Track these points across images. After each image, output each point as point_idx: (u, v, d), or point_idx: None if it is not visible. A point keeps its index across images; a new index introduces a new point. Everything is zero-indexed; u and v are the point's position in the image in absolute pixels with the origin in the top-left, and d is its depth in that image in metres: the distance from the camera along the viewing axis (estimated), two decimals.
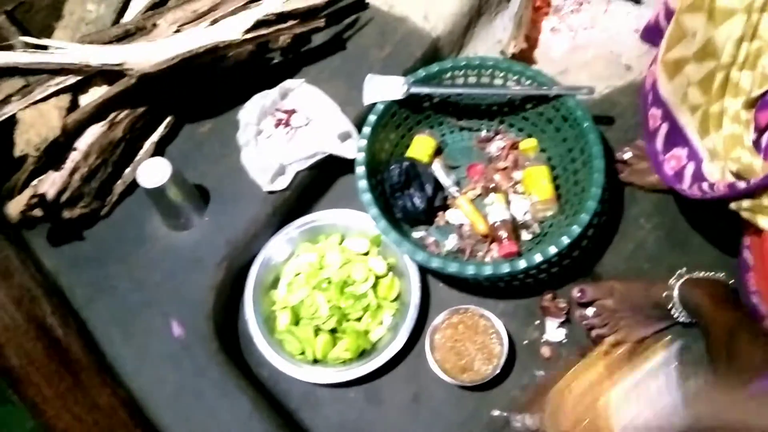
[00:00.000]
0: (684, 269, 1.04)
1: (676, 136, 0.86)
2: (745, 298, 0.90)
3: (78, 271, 1.10)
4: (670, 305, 1.02)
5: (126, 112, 1.09)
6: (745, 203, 0.77)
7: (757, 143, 0.77)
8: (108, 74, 1.06)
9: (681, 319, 1.03)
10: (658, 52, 0.86)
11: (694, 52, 0.77)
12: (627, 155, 1.21)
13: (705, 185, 0.82)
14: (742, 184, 0.75)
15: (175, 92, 1.15)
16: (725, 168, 0.79)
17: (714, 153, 0.82)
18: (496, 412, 1.06)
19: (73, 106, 1.06)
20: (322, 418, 1.08)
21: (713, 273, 1.02)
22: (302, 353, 1.08)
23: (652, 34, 0.98)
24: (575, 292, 1.11)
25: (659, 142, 0.89)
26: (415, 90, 1.13)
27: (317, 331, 1.10)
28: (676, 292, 1.01)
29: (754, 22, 0.74)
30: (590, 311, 1.10)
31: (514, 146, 1.23)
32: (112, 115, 1.08)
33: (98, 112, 1.07)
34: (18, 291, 0.96)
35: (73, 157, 1.06)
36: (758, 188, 0.73)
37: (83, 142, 1.07)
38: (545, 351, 1.10)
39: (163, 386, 1.01)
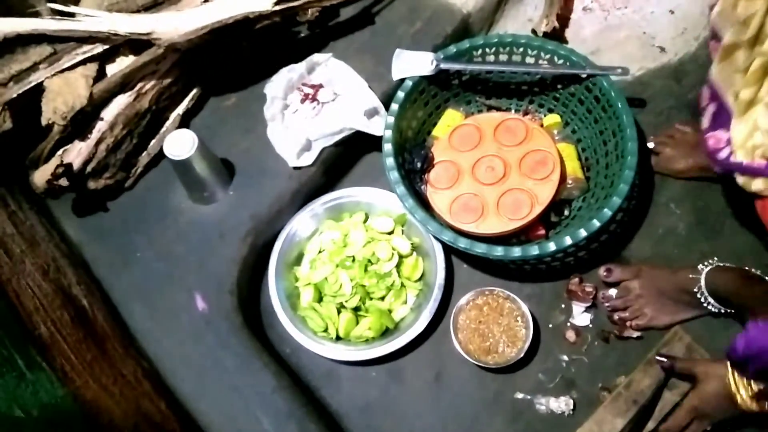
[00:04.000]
0: (716, 258, 1.01)
1: (722, 119, 0.85)
2: None
3: (102, 242, 1.10)
4: (697, 290, 1.00)
5: (153, 82, 1.08)
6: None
7: None
8: (136, 43, 1.05)
9: (710, 308, 1.01)
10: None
11: (746, 38, 0.76)
12: (651, 144, 1.20)
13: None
14: None
15: (202, 64, 1.14)
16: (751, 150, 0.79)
17: (739, 139, 0.81)
18: (519, 395, 1.05)
19: (100, 75, 1.05)
20: (344, 396, 1.08)
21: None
22: (325, 330, 1.08)
23: None
24: (601, 271, 1.10)
25: (706, 120, 0.88)
26: (445, 66, 1.11)
27: (340, 308, 1.09)
28: (703, 278, 1.00)
29: None
30: (613, 292, 1.09)
31: (540, 125, 1.21)
32: (138, 86, 1.07)
33: (125, 82, 1.06)
34: (44, 260, 0.96)
35: (100, 127, 1.05)
36: None
37: (109, 113, 1.06)
38: (570, 335, 1.09)
39: (186, 360, 1.01)
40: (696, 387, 0.94)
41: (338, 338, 1.08)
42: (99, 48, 1.04)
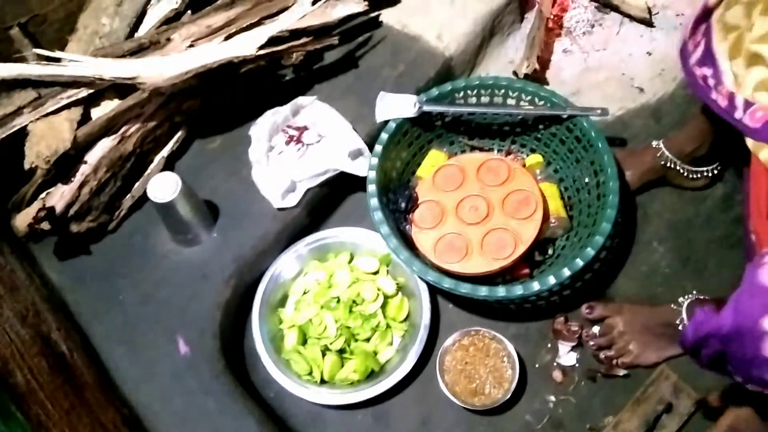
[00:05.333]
0: (695, 292, 1.02)
1: (706, 58, 0.87)
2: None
3: (84, 286, 1.09)
4: (679, 322, 1.00)
5: (137, 125, 1.09)
6: None
7: None
8: (120, 87, 1.06)
9: None
10: None
11: None
12: None
13: (739, 100, 0.81)
14: None
15: (186, 107, 1.15)
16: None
17: (736, 76, 0.82)
18: None
19: (85, 118, 1.06)
20: None
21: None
22: (309, 374, 1.06)
23: None
24: (584, 308, 1.10)
25: (693, 58, 0.91)
26: (427, 108, 1.12)
27: (325, 351, 1.08)
28: (684, 310, 1.00)
29: None
30: (597, 329, 1.09)
31: (522, 165, 1.23)
32: (123, 129, 1.07)
33: (109, 126, 1.06)
34: (23, 306, 0.95)
35: (83, 171, 1.05)
36: None
37: (93, 156, 1.06)
38: (557, 375, 1.08)
39: (167, 405, 0.99)
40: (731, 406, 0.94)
41: (323, 381, 1.07)
42: (84, 92, 1.05)
